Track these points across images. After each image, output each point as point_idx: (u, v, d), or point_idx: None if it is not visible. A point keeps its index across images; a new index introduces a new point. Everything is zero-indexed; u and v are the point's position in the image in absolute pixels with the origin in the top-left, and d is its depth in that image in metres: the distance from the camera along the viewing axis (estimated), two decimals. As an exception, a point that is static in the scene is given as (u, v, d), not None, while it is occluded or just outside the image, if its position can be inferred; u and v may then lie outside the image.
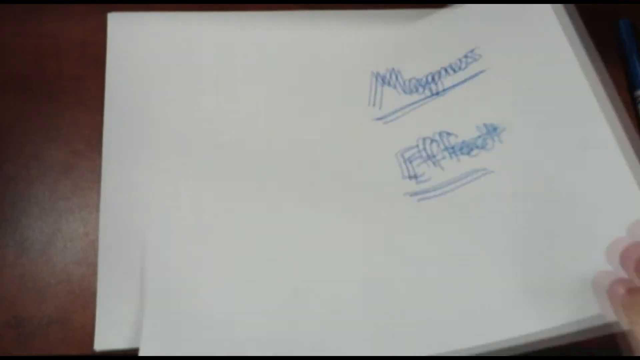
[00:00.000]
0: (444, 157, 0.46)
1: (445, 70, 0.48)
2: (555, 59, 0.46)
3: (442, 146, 0.46)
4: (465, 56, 0.48)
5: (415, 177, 0.45)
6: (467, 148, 0.45)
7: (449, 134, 0.46)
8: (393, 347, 0.41)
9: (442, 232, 0.43)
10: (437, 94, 0.47)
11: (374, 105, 0.48)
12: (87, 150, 0.46)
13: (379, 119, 0.47)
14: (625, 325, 0.35)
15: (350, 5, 0.50)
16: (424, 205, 0.44)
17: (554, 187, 0.43)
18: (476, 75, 0.47)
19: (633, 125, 0.49)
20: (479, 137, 0.46)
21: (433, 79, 0.48)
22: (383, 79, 0.48)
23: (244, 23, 0.49)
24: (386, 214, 0.44)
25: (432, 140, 0.46)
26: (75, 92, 0.47)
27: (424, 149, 0.46)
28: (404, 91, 0.48)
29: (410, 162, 0.46)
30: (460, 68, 0.48)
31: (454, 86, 0.47)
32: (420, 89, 0.48)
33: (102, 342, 0.42)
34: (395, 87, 0.48)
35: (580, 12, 0.52)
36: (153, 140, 0.46)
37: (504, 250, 0.42)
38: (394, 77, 0.48)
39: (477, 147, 0.45)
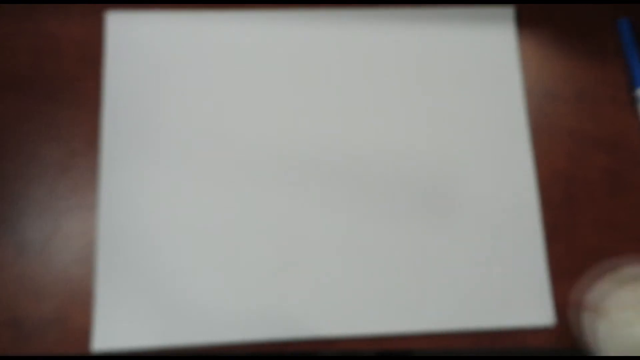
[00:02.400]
0: None
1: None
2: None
3: None
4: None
5: None
6: None
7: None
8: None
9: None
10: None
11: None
12: (85, 150, 0.46)
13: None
14: None
15: (350, 5, 0.50)
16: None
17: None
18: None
19: (635, 125, 0.49)
20: None
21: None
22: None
23: (243, 23, 0.49)
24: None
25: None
26: (74, 91, 0.47)
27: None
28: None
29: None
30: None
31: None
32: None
33: (101, 341, 0.42)
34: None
35: (581, 11, 0.52)
36: (151, 139, 0.46)
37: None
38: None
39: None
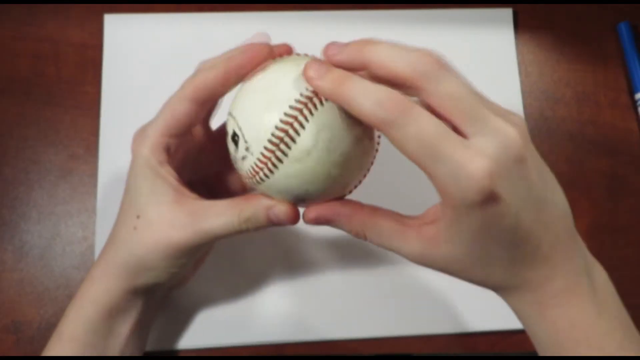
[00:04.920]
0: None
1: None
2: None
3: None
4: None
5: None
6: None
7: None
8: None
9: None
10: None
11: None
12: (85, 154, 0.46)
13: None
14: None
15: (349, 6, 0.50)
16: None
17: None
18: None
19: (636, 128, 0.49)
20: None
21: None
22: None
23: (243, 24, 0.49)
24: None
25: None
26: (74, 96, 0.47)
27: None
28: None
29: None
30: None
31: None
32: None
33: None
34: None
35: (581, 14, 0.51)
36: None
37: None
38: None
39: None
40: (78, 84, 0.47)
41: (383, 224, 0.31)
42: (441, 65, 0.28)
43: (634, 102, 0.49)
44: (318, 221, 0.32)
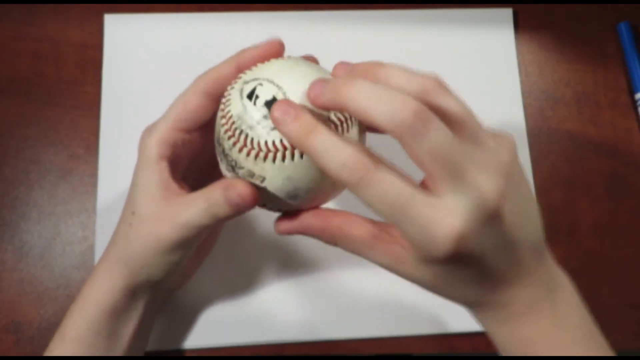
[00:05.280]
0: None
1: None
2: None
3: None
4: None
5: None
6: None
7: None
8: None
9: None
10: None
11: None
12: (85, 154, 0.46)
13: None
14: None
15: (349, 6, 0.50)
16: None
17: None
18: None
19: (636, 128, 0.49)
20: None
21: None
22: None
23: (243, 24, 0.49)
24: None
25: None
26: (74, 96, 0.47)
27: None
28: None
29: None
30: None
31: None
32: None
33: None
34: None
35: (581, 14, 0.51)
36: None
37: None
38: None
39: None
40: (78, 84, 0.47)
41: (352, 236, 0.31)
42: (422, 118, 0.27)
43: (634, 102, 0.49)
44: (289, 233, 0.33)
